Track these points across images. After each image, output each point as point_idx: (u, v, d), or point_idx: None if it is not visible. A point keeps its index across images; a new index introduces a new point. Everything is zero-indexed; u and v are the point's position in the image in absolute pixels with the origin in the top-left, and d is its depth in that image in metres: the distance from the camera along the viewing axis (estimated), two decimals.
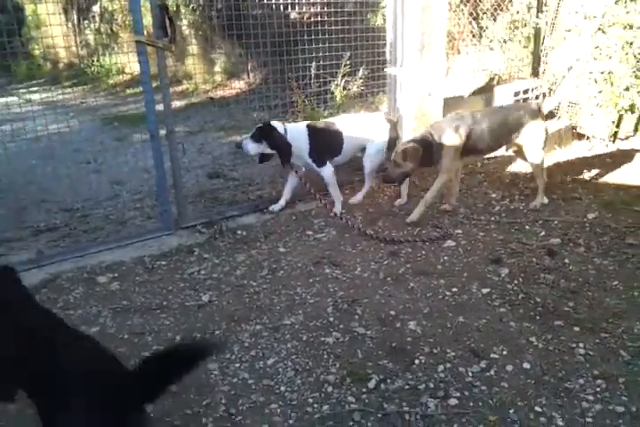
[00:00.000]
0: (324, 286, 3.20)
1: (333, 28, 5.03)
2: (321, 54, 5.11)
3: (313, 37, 4.96)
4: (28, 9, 13.27)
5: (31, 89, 9.48)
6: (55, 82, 10.20)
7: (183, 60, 8.93)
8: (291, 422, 2.22)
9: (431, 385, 2.36)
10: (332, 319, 2.88)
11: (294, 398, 2.34)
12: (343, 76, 6.19)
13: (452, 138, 3.82)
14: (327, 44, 5.01)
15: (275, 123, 4.09)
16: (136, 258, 3.58)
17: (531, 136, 4.01)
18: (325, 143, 4.20)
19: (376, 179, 4.51)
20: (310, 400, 2.32)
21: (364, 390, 2.36)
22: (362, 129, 4.30)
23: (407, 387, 2.36)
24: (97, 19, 12.61)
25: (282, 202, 4.33)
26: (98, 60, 10.73)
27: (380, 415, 2.22)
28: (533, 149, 4.05)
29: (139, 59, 3.67)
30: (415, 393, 2.32)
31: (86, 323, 2.91)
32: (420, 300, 3.02)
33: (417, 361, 2.52)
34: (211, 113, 7.43)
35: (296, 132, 4.12)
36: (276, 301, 3.08)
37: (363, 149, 4.37)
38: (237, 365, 2.56)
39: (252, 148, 4.04)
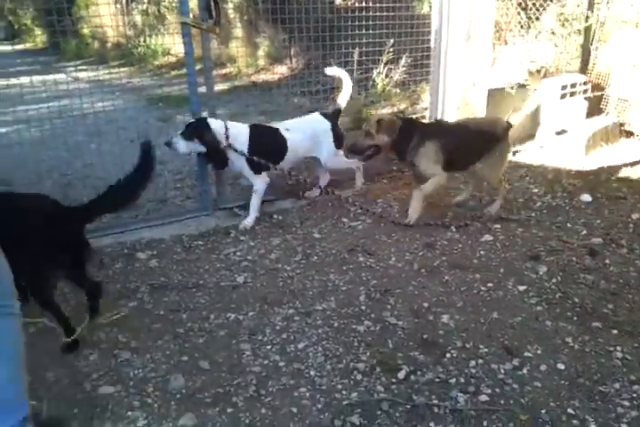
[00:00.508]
0: (357, 274, 3.17)
1: (378, 14, 4.93)
2: (364, 41, 5.03)
3: (357, 24, 4.87)
4: None
5: (79, 67, 9.63)
6: (102, 61, 10.33)
7: (227, 44, 8.92)
8: (319, 406, 2.21)
9: (462, 380, 2.32)
10: (363, 308, 2.85)
11: (323, 383, 2.33)
12: (386, 63, 6.09)
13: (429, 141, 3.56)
14: (371, 31, 4.93)
15: (211, 120, 3.73)
16: (175, 236, 3.62)
17: (497, 156, 3.72)
18: (267, 148, 3.85)
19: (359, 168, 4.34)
20: (339, 387, 2.31)
21: (394, 380, 2.33)
22: (304, 132, 4.02)
23: (437, 380, 2.32)
24: (144, 0, 12.70)
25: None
26: (144, 41, 10.82)
27: (408, 407, 2.19)
28: (494, 169, 3.76)
29: (183, 40, 3.68)
30: (445, 387, 2.29)
31: (124, 297, 2.96)
32: (454, 293, 2.96)
33: (448, 355, 2.48)
34: (253, 97, 7.42)
35: (236, 132, 3.77)
36: (309, 286, 3.07)
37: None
38: (269, 347, 2.57)
39: (182, 146, 3.63)
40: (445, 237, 3.58)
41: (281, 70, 8.54)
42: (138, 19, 12.37)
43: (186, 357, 2.52)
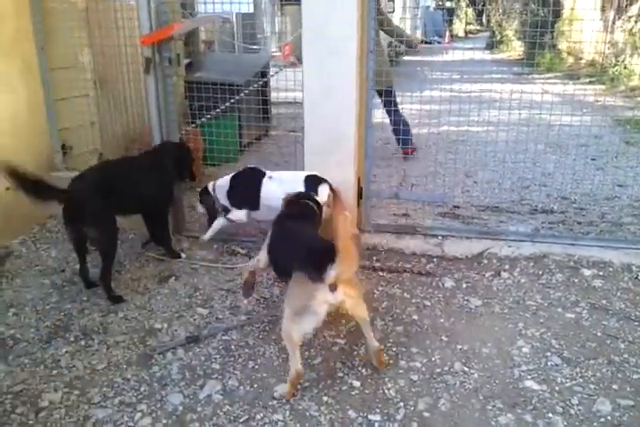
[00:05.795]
0: None
1: None
2: None
3: None
4: (568, 4, 13.43)
5: (550, 80, 9.71)
6: (573, 77, 10.13)
7: None
8: None
9: None
10: None
11: None
12: None
13: None
14: None
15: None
16: (625, 263, 3.33)
17: None
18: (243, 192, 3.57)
19: None
20: None
21: None
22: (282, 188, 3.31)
23: None
24: (633, 19, 11.75)
25: None
26: (623, 61, 10.07)
27: None
28: None
29: None
30: None
31: (562, 307, 2.94)
32: None
33: None
34: None
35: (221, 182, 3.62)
36: None
37: None
38: None
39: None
40: None
41: None
42: (621, 37, 11.60)
43: (616, 386, 2.35)
